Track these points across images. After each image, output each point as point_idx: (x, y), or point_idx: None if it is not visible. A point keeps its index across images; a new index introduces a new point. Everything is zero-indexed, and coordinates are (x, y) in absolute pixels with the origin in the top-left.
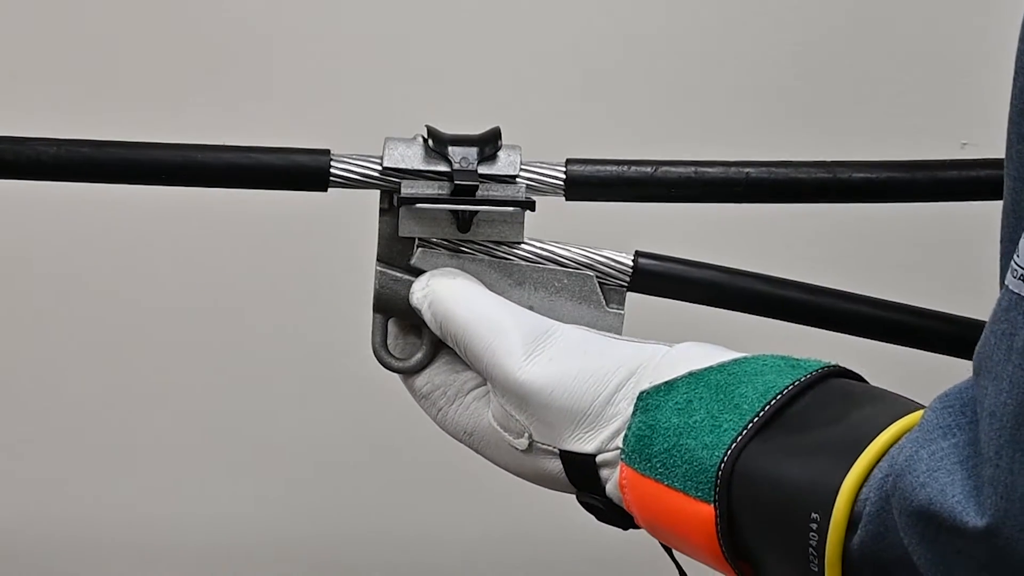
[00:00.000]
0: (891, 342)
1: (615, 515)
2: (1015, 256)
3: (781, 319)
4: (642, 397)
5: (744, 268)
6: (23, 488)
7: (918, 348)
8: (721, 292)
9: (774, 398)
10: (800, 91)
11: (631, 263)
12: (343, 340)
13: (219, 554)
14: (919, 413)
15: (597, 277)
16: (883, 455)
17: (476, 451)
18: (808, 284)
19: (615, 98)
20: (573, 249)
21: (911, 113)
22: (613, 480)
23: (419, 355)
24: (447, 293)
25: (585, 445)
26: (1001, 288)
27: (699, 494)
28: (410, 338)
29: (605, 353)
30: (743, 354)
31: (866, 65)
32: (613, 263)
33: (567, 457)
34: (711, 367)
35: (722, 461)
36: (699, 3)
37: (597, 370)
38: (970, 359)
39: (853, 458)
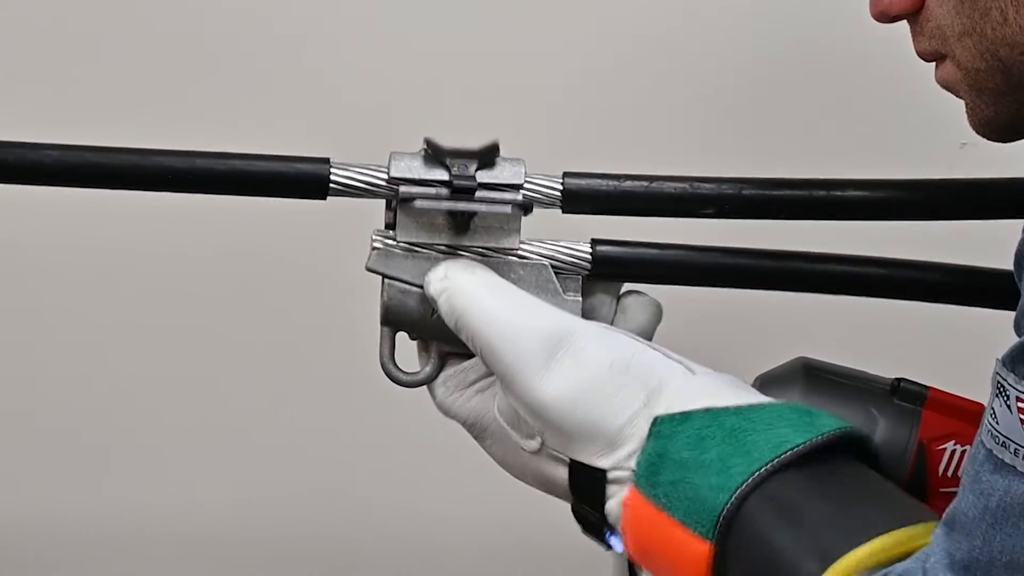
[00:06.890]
0: (866, 295)
1: (603, 532)
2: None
3: (746, 287)
4: (656, 423)
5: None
6: (22, 485)
7: (891, 298)
8: (684, 270)
9: (785, 453)
10: (800, 90)
11: (589, 251)
12: (342, 340)
13: (219, 551)
14: (890, 537)
15: (553, 266)
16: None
17: (475, 440)
18: (766, 250)
19: (615, 110)
20: (531, 242)
21: (910, 113)
22: (617, 498)
23: (428, 368)
24: (465, 289)
25: (600, 460)
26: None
27: (699, 531)
28: (420, 352)
29: (631, 368)
30: (761, 399)
31: (865, 65)
32: (572, 252)
33: (576, 467)
34: (728, 408)
35: (727, 504)
36: (700, 12)
37: (621, 387)
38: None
39: (828, 563)
